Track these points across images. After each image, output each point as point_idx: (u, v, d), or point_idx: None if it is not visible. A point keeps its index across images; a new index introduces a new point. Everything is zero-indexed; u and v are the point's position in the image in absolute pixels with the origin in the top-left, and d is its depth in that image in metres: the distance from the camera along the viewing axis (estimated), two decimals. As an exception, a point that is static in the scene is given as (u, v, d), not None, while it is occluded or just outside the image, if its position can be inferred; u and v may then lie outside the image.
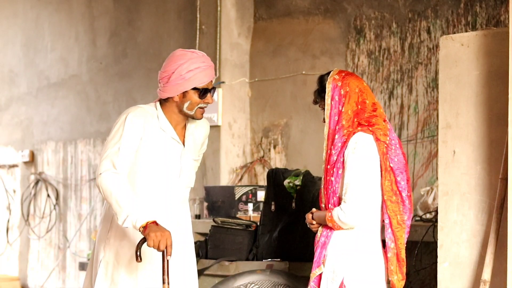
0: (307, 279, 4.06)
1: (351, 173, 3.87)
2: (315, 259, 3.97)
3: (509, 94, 3.93)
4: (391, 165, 3.92)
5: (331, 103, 4.00)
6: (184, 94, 3.94)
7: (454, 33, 5.77)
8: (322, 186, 4.03)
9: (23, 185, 9.79)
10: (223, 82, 7.23)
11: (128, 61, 8.36)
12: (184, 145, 4.03)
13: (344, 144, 3.93)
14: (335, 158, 3.95)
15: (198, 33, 7.37)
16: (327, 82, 4.03)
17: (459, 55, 4.30)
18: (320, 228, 4.02)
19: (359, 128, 3.93)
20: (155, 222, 3.69)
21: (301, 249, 5.11)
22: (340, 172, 3.93)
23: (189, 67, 3.91)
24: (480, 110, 4.23)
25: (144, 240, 3.69)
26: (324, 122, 4.08)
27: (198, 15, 7.39)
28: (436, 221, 4.69)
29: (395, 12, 6.34)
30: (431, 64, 6.09)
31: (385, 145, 3.93)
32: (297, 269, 5.08)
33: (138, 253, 3.69)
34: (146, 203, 3.88)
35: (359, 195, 3.86)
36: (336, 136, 3.96)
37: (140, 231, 3.69)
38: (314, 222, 4.06)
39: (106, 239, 4.00)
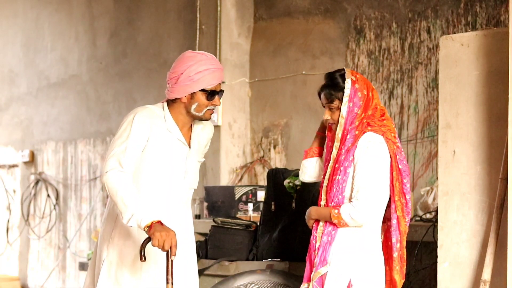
0: (307, 279, 4.06)
1: (364, 171, 3.89)
2: (317, 258, 3.96)
3: (509, 94, 3.94)
4: (400, 166, 3.94)
5: (348, 104, 4.00)
6: (192, 95, 3.96)
7: (454, 33, 5.77)
8: (324, 184, 4.03)
9: (23, 185, 9.79)
10: (223, 82, 7.21)
11: (128, 61, 8.35)
12: (189, 146, 4.04)
13: (354, 143, 3.94)
14: (343, 157, 3.96)
15: (198, 33, 7.37)
16: (346, 83, 4.01)
17: (459, 55, 4.30)
18: (320, 227, 4.02)
19: (369, 128, 3.94)
20: (160, 222, 3.69)
21: (301, 249, 5.10)
22: (348, 171, 3.93)
23: (197, 69, 3.93)
24: (480, 110, 4.23)
25: (148, 239, 3.69)
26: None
27: (198, 15, 7.39)
28: (436, 221, 4.69)
29: (395, 12, 6.33)
30: (431, 64, 6.09)
31: (395, 146, 3.95)
32: (297, 269, 5.08)
33: (143, 253, 3.68)
34: (150, 203, 3.88)
35: (372, 194, 3.88)
36: (348, 136, 3.98)
37: (145, 230, 3.69)
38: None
39: (110, 238, 3.99)
